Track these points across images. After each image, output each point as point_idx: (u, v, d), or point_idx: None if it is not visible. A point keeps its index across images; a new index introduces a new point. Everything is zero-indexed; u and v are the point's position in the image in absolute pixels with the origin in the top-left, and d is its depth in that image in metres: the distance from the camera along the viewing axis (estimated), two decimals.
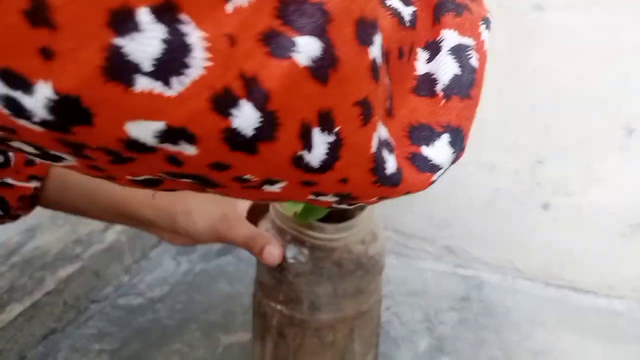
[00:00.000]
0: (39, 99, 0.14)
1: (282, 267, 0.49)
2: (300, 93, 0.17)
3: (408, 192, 0.23)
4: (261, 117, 0.16)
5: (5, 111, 0.15)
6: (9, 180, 0.45)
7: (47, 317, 0.67)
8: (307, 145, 0.18)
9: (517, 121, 0.76)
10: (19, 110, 0.14)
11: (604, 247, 0.78)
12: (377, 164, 0.21)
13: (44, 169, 0.47)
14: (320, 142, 0.18)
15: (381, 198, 0.23)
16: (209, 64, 0.15)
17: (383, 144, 0.21)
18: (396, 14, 0.21)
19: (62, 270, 0.71)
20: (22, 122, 0.15)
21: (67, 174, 0.48)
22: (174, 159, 0.17)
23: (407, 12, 0.22)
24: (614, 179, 0.75)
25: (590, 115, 0.73)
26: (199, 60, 0.15)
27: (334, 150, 0.19)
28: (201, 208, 0.48)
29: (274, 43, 0.16)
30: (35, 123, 0.15)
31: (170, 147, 0.16)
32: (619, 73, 0.70)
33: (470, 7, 0.25)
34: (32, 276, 0.69)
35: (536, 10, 0.71)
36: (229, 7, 0.15)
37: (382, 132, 0.21)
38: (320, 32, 0.16)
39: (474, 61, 0.24)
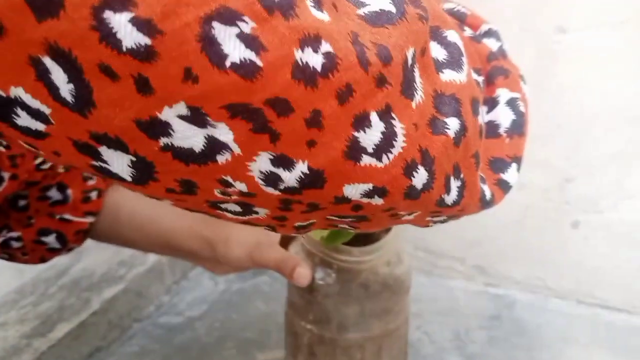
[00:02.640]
0: (295, 173, 0.20)
1: (311, 288, 0.51)
2: (447, 155, 0.24)
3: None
4: (428, 175, 0.23)
5: (261, 183, 0.20)
6: (67, 216, 0.49)
7: (93, 336, 0.71)
8: (447, 190, 0.25)
9: (545, 139, 0.76)
10: (273, 181, 0.20)
11: (635, 264, 0.77)
12: (482, 194, 0.28)
13: (99, 205, 0.51)
14: (454, 187, 0.25)
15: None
16: (404, 144, 0.22)
17: (480, 179, 0.29)
18: (478, 84, 0.29)
19: (107, 290, 0.75)
20: (269, 190, 0.21)
21: (119, 210, 0.53)
22: (358, 207, 0.23)
23: (480, 80, 0.30)
24: None
25: (619, 132, 0.74)
26: (399, 142, 0.22)
27: (461, 191, 0.26)
28: (238, 236, 0.52)
29: (435, 125, 0.23)
30: (279, 190, 0.21)
31: (364, 200, 0.23)
32: None
33: (510, 70, 0.33)
34: (79, 297, 0.74)
35: (560, 32, 0.72)
36: (413, 105, 0.22)
37: None
38: (458, 114, 0.24)
39: (522, 108, 0.32)
